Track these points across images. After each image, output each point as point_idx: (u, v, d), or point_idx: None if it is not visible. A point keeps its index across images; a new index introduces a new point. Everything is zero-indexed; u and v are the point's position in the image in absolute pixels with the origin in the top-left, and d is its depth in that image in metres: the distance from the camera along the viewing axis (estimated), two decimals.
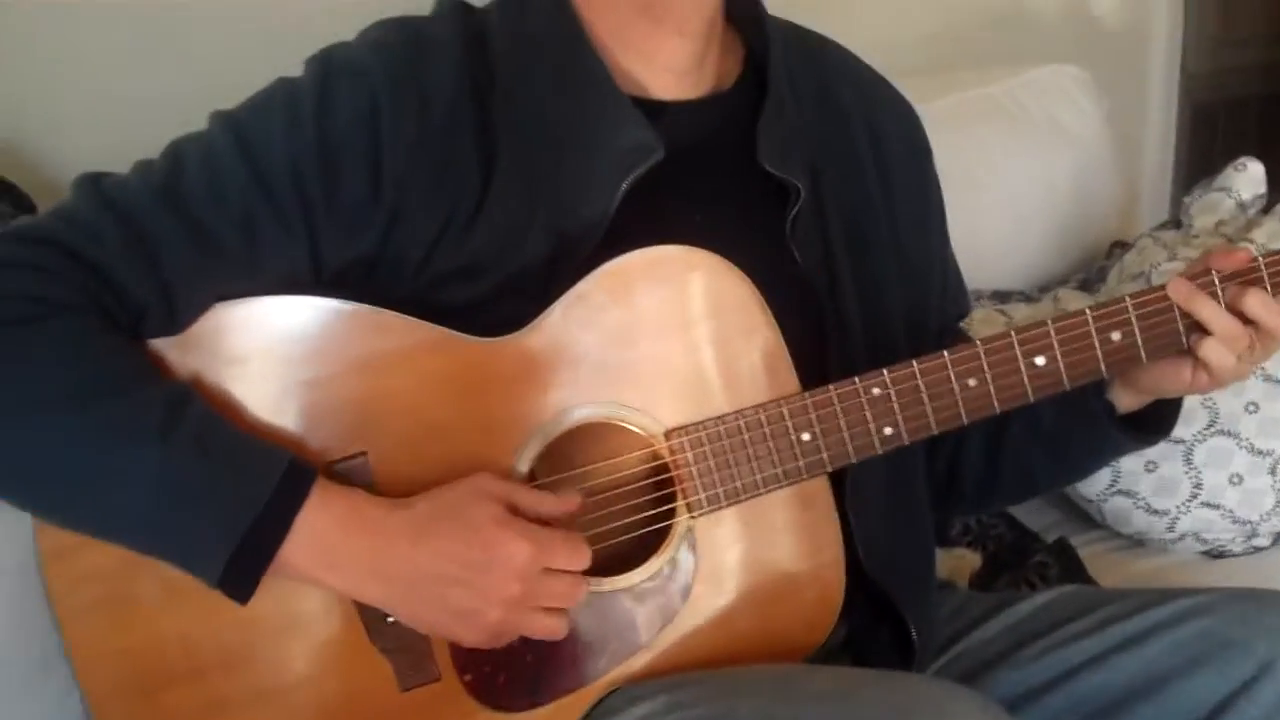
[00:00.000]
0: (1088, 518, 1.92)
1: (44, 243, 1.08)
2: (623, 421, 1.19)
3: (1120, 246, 2.09)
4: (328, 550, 1.07)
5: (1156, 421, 1.35)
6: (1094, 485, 1.84)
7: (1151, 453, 1.78)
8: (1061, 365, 1.22)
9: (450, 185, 1.16)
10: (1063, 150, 2.15)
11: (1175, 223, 2.04)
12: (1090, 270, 2.09)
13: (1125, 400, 1.33)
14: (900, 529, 1.34)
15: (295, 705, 1.14)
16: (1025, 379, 1.22)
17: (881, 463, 1.25)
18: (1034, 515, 1.92)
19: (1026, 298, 2.02)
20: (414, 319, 1.15)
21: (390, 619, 1.13)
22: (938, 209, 1.45)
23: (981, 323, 1.85)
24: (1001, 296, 1.99)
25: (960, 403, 1.21)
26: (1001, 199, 2.04)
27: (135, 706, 1.13)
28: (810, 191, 1.27)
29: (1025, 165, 2.11)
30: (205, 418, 1.07)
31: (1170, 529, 1.84)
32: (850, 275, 1.31)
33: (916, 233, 1.39)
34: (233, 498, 1.04)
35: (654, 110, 1.22)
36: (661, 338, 1.19)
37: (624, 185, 1.17)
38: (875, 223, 1.35)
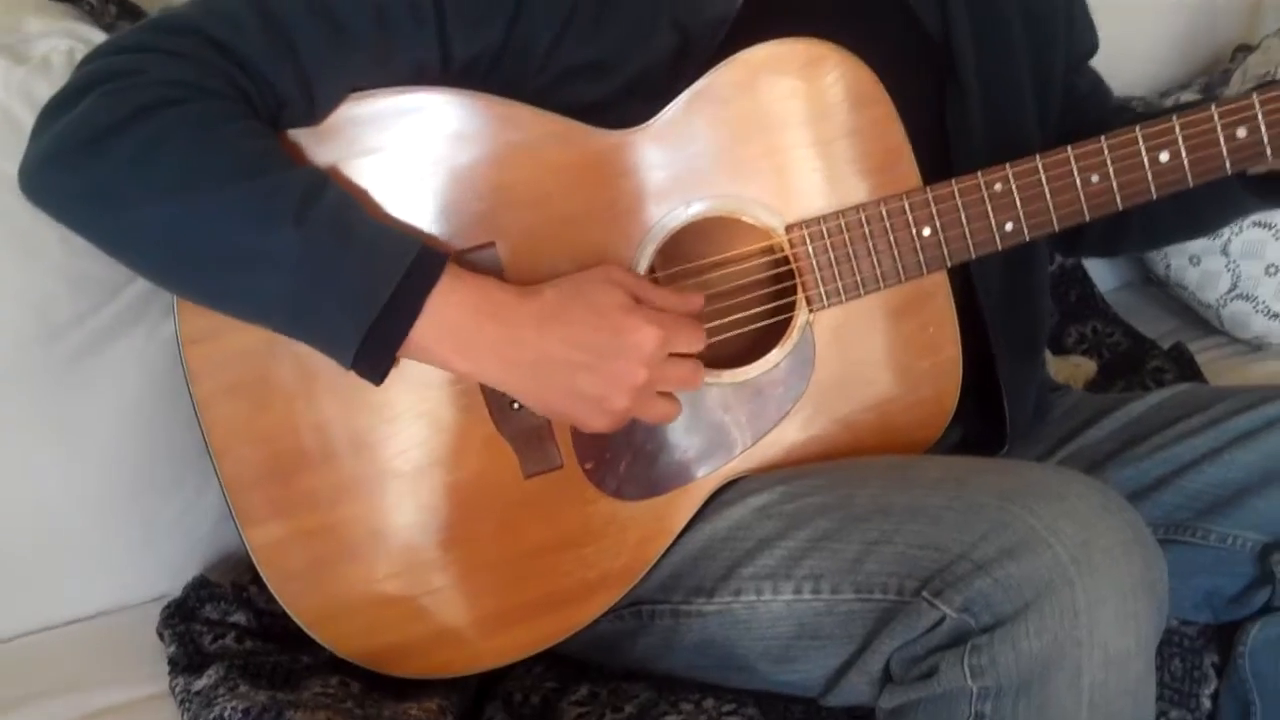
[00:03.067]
0: (1205, 324, 1.91)
1: (187, 31, 1.09)
2: (743, 215, 1.20)
3: (1244, 50, 2.03)
4: (457, 333, 1.09)
5: None
6: (1213, 290, 1.82)
7: (1272, 256, 1.76)
8: (1186, 161, 1.20)
9: None
10: None
11: None
12: (1213, 75, 2.04)
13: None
14: (1017, 309, 1.34)
15: (423, 489, 1.18)
16: (1149, 175, 1.21)
17: (1001, 257, 1.24)
18: (1151, 323, 1.91)
19: (1146, 104, 1.98)
20: (542, 111, 1.16)
21: (516, 406, 1.17)
22: None
23: None
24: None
25: (1083, 198, 1.21)
26: (1121, 2, 1.97)
27: (270, 489, 1.17)
28: None
29: None
30: (341, 201, 1.09)
31: None
32: (969, 25, 1.29)
33: None
34: (367, 278, 1.07)
35: None
36: (784, 131, 1.19)
37: None
38: None
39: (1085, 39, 1.48)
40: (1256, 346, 1.87)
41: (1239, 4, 2.13)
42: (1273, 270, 1.79)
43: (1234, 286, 1.81)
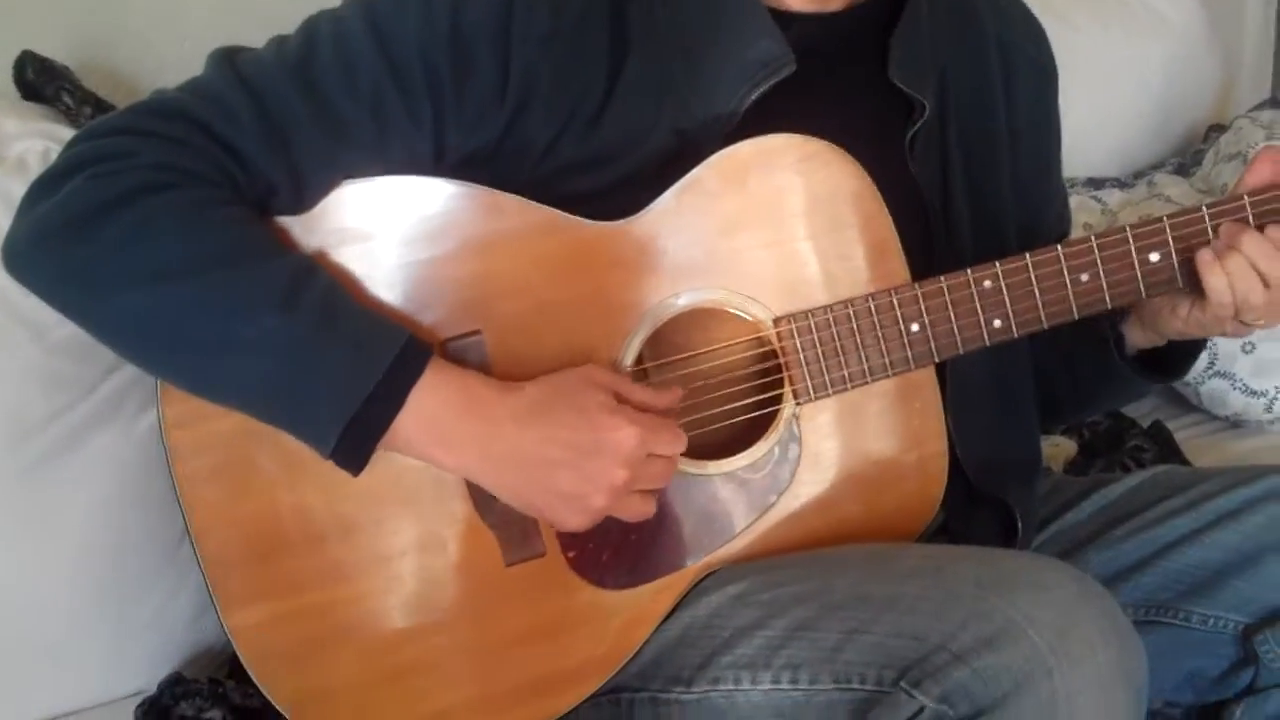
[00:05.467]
0: (1184, 401, 1.91)
1: (178, 116, 1.08)
2: (731, 307, 1.20)
3: (1217, 130, 2.05)
4: (438, 428, 1.08)
5: (1174, 363, 1.38)
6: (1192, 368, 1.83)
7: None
8: (1175, 262, 1.22)
9: (577, 80, 1.16)
10: (1157, 31, 2.10)
11: (1274, 102, 2.01)
12: (1186, 155, 2.06)
13: (1137, 335, 1.35)
14: (1005, 421, 1.34)
15: (405, 574, 1.17)
16: (1139, 275, 1.21)
17: (985, 356, 1.25)
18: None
19: (1121, 184, 2.00)
20: (529, 201, 1.15)
21: None
22: (1057, 137, 1.45)
23: (1077, 210, 1.82)
24: (1095, 183, 1.97)
25: (1072, 297, 1.21)
26: (1093, 83, 1.99)
27: (251, 570, 1.15)
28: (936, 110, 1.26)
29: (1118, 48, 2.07)
30: (329, 289, 1.08)
31: (1268, 410, 1.84)
32: (965, 197, 1.30)
33: (1036, 162, 1.39)
34: (350, 370, 1.06)
35: (788, 21, 1.21)
36: (772, 225, 1.19)
37: (753, 96, 1.17)
38: (997, 147, 1.34)
39: (1063, 223, 1.50)
40: (1235, 424, 1.88)
41: (1212, 84, 2.16)
42: (1249, 348, 1.80)
43: (1212, 364, 1.83)
